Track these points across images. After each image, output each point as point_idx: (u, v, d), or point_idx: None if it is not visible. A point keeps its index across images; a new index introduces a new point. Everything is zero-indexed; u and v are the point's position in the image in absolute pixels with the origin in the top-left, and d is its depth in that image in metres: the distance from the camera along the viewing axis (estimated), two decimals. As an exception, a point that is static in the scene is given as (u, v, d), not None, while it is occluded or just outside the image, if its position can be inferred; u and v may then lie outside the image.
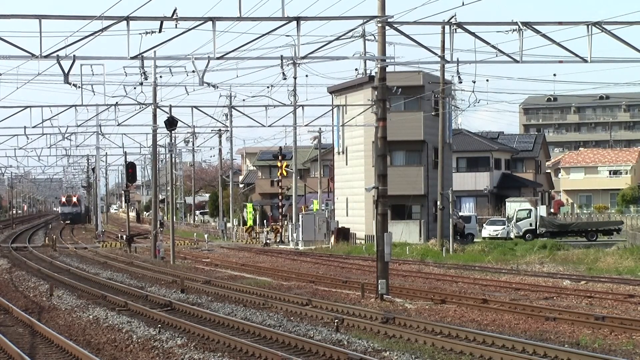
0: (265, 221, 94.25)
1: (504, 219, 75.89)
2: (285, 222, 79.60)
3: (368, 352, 20.72)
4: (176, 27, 26.83)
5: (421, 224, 67.38)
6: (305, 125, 69.59)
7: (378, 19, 31.14)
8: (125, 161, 78.56)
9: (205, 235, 77.70)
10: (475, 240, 68.68)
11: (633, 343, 21.85)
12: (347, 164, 72.31)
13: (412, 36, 29.82)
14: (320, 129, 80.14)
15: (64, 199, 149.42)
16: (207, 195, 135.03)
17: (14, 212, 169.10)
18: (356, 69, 69.87)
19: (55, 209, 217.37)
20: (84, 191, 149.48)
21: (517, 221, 72.33)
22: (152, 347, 22.09)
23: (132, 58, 28.30)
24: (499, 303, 29.60)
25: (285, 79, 37.53)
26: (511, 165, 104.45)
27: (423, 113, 67.53)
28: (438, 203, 59.45)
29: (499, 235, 71.89)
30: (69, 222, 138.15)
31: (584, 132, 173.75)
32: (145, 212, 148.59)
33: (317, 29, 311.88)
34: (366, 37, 52.74)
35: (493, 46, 29.30)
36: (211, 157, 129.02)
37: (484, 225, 75.55)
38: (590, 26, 28.68)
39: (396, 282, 36.33)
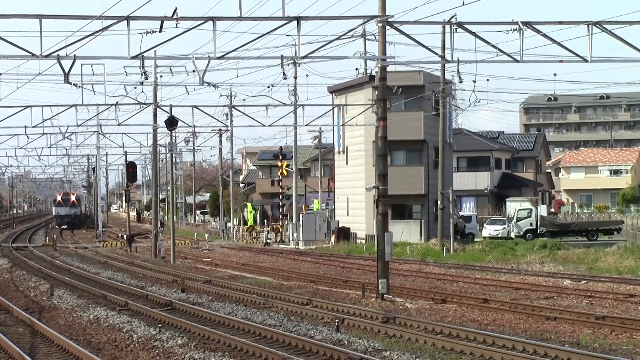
0: (265, 221, 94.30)
1: (505, 218, 75.89)
2: (286, 221, 79.59)
3: (368, 352, 20.71)
4: (176, 27, 26.83)
5: (421, 223, 67.38)
6: (306, 125, 69.60)
7: (378, 19, 31.14)
8: (126, 161, 78.60)
9: (206, 235, 77.74)
10: (475, 239, 68.66)
11: (633, 343, 21.84)
12: (347, 164, 72.31)
13: (412, 36, 29.83)
14: (320, 128, 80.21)
15: (59, 198, 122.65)
16: (208, 194, 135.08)
17: (15, 211, 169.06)
18: (356, 69, 69.90)
19: None
20: (84, 191, 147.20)
21: (517, 221, 72.33)
22: (153, 346, 22.09)
23: (132, 58, 28.29)
24: (499, 303, 29.59)
25: (285, 78, 37.59)
26: (511, 165, 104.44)
27: (423, 113, 67.54)
28: (438, 203, 59.45)
29: (499, 235, 71.88)
30: (65, 226, 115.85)
31: (584, 132, 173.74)
32: (145, 212, 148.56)
33: (317, 28, 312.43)
34: (366, 37, 52.83)
35: (493, 46, 29.30)
36: (211, 156, 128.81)
37: (485, 224, 75.54)
38: (590, 26, 28.67)
39: (397, 282, 36.33)
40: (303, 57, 30.07)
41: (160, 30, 27.44)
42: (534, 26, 28.86)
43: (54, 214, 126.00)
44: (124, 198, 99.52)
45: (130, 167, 70.25)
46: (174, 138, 60.67)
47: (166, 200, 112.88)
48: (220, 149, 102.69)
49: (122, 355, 21.32)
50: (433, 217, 66.30)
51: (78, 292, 35.82)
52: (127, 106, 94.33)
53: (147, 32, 27.77)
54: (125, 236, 73.29)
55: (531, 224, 72.05)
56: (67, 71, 28.78)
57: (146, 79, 42.07)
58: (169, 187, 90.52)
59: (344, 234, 68.34)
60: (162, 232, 63.69)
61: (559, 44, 29.10)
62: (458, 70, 38.60)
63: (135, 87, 55.58)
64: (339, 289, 35.76)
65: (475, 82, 43.77)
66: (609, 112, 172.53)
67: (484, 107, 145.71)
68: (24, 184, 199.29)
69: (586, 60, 29.22)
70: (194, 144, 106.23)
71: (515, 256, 50.87)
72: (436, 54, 34.95)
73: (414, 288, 34.52)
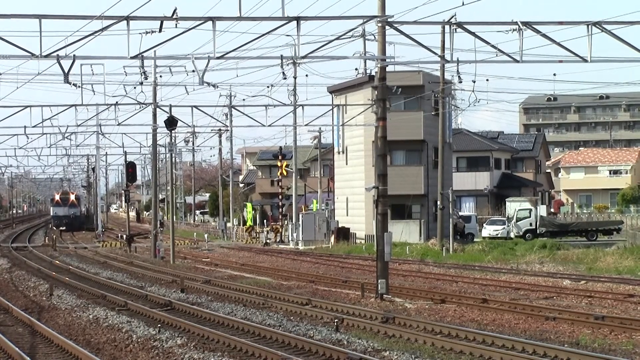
0: (265, 221, 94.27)
1: (504, 218, 75.87)
2: (285, 221, 79.59)
3: (368, 352, 20.71)
4: (176, 27, 26.84)
5: (421, 223, 67.37)
6: (305, 125, 69.68)
7: (378, 19, 31.14)
8: (125, 161, 78.62)
9: (205, 235, 77.70)
10: (475, 240, 68.65)
11: (633, 343, 21.85)
12: (347, 164, 72.31)
13: (412, 36, 29.84)
14: (320, 128, 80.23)
15: (57, 197, 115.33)
16: (207, 194, 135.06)
17: (14, 211, 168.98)
18: (356, 69, 69.94)
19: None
20: (84, 191, 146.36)
21: (517, 221, 72.32)
22: (152, 346, 22.09)
23: (132, 58, 28.30)
24: (498, 303, 29.59)
25: (285, 78, 37.63)
26: (511, 165, 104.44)
27: (423, 113, 67.54)
28: (438, 203, 59.44)
29: (499, 235, 71.87)
30: (64, 228, 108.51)
31: (584, 132, 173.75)
32: (145, 212, 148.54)
33: (317, 28, 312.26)
34: (366, 37, 52.70)
35: (493, 46, 29.32)
36: (211, 156, 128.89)
37: (484, 225, 75.52)
38: (590, 26, 28.68)
39: (396, 282, 36.34)
40: (303, 57, 30.07)
41: (160, 30, 27.45)
42: (534, 26, 28.87)
43: (51, 214, 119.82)
44: (123, 198, 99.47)
45: (130, 167, 70.27)
46: (173, 138, 60.66)
47: (166, 200, 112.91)
48: (220, 149, 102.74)
49: (121, 355, 21.32)
50: (432, 217, 66.29)
51: (77, 292, 35.82)
52: (126, 106, 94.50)
53: (147, 32, 27.79)
54: (124, 236, 73.29)
55: (531, 224, 72.05)
56: (66, 71, 28.79)
57: (146, 79, 42.12)
58: (169, 187, 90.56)
59: (343, 234, 68.33)
60: (161, 232, 63.70)
61: (558, 44, 29.11)
62: (457, 70, 38.50)
63: (134, 87, 55.62)
64: (339, 289, 35.76)
65: (474, 82, 43.73)
66: (608, 112, 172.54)
67: (484, 107, 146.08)
68: (24, 184, 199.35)
69: (586, 61, 29.23)
70: (193, 144, 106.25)
71: (515, 256, 50.87)
72: (436, 54, 34.94)
73: (414, 288, 34.52)
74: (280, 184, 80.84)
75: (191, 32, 27.32)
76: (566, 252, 51.13)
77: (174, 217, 65.23)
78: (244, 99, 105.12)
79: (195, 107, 53.16)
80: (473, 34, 28.93)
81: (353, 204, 70.84)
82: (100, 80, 43.96)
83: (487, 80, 58.81)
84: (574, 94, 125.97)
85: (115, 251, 66.59)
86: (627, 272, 40.79)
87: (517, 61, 29.28)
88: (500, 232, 72.77)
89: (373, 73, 48.94)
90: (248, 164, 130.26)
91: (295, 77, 71.26)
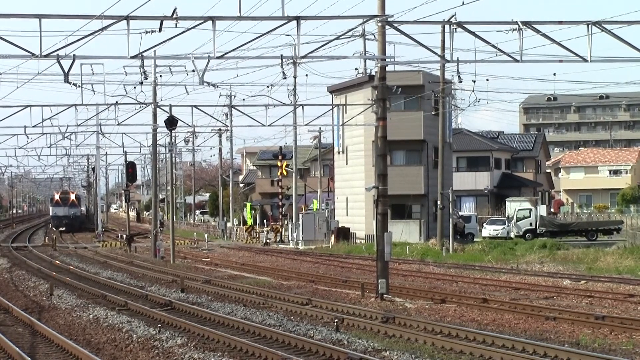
0: (265, 221, 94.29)
1: (504, 218, 75.89)
2: (285, 221, 79.59)
3: (368, 352, 20.71)
4: (176, 27, 26.85)
5: (421, 223, 67.37)
6: (306, 125, 69.68)
7: (378, 19, 31.14)
8: (126, 161, 78.61)
9: (205, 235, 77.70)
10: (475, 239, 68.64)
11: (633, 342, 21.85)
12: (347, 164, 72.30)
13: (412, 35, 29.85)
14: (320, 128, 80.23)
15: (57, 197, 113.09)
16: (207, 194, 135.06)
17: (14, 211, 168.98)
18: (356, 69, 69.91)
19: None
20: (84, 191, 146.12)
21: (517, 221, 72.32)
22: (152, 346, 22.08)
23: (132, 57, 28.31)
24: (499, 302, 29.59)
25: (285, 78, 37.58)
26: (511, 165, 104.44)
27: (423, 112, 67.53)
28: (438, 202, 59.45)
29: (499, 235, 71.87)
30: (64, 228, 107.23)
31: (584, 132, 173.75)
32: (145, 212, 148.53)
33: (317, 28, 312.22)
34: (366, 37, 52.75)
35: (493, 45, 29.31)
36: (211, 156, 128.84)
37: (484, 224, 75.53)
38: (590, 25, 28.68)
39: (396, 282, 36.33)
40: (303, 57, 30.10)
41: (160, 30, 27.46)
42: (534, 26, 28.87)
43: (51, 214, 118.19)
44: (123, 198, 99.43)
45: (130, 167, 70.27)
46: (173, 138, 60.69)
47: (166, 200, 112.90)
48: (220, 149, 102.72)
49: (121, 355, 21.32)
50: (433, 217, 66.29)
51: (77, 292, 35.82)
52: (126, 106, 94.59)
53: (147, 32, 27.81)
54: (124, 236, 73.31)
55: (531, 224, 72.04)
56: (66, 71, 28.80)
57: (146, 78, 42.12)
58: (169, 187, 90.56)
59: (343, 233, 68.34)
60: (161, 232, 63.68)
61: (558, 43, 29.11)
62: (458, 70, 38.52)
63: (134, 87, 55.62)
64: (339, 288, 35.76)
65: (474, 81, 43.71)
66: (608, 112, 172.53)
67: (484, 107, 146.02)
68: (24, 184, 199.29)
69: (586, 60, 29.23)
70: (193, 144, 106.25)
71: (515, 256, 50.86)
72: (436, 53, 34.97)
73: (414, 288, 34.52)
74: (280, 183, 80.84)
75: (191, 31, 27.35)
76: (566, 252, 51.14)
77: (174, 217, 65.22)
78: (244, 99, 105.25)
79: (195, 107, 53.17)
80: (473, 33, 28.93)
81: (353, 204, 70.85)
82: (100, 80, 44.03)
83: (487, 80, 58.86)
84: (574, 93, 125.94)
85: (115, 251, 66.60)
86: (627, 272, 40.79)
87: (517, 61, 29.28)
88: (500, 232, 72.78)
89: (373, 73, 48.94)
90: (248, 164, 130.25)
91: (295, 77, 71.28)
